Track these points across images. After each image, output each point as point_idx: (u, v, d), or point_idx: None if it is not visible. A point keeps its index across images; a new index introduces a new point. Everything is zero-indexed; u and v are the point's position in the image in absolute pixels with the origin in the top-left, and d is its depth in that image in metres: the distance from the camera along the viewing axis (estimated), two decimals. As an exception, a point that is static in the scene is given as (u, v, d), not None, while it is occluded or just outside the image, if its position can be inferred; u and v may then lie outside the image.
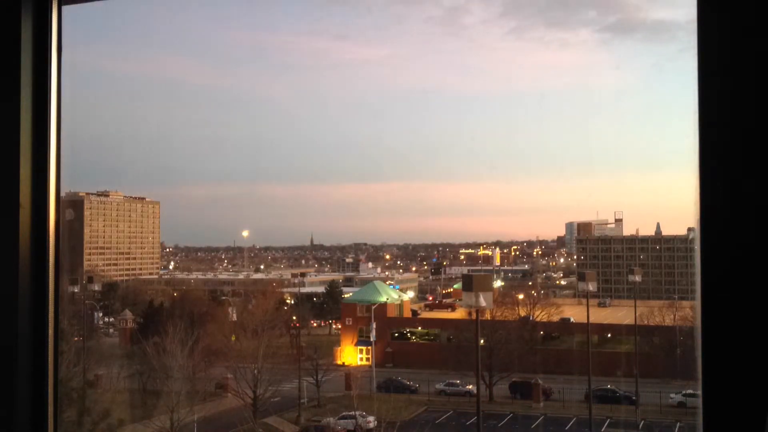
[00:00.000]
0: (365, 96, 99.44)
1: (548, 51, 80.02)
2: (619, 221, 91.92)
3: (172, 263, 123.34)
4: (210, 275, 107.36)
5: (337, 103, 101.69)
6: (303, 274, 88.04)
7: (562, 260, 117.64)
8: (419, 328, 68.54)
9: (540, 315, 62.94)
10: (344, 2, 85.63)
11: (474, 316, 52.44)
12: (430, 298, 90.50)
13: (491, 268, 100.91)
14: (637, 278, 72.30)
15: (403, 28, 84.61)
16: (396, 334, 66.91)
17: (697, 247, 2.01)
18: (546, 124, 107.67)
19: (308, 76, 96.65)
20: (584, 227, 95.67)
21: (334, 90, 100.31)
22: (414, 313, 72.43)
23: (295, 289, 75.38)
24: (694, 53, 2.01)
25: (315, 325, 73.28)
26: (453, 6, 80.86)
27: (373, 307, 65.78)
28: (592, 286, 64.65)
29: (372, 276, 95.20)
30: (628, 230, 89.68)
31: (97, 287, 68.60)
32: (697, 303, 2.00)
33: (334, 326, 75.03)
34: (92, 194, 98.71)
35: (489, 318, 56.10)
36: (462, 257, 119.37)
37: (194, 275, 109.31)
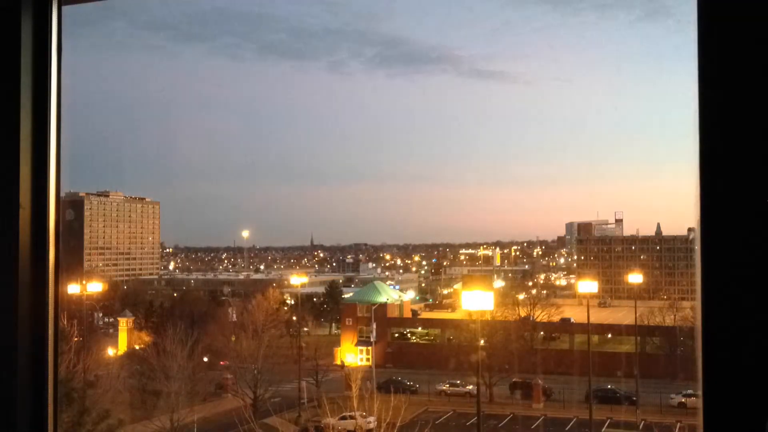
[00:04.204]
0: (348, 107, 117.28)
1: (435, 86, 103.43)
2: (619, 221, 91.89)
3: (172, 263, 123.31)
4: (210, 275, 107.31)
5: (332, 109, 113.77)
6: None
7: (562, 260, 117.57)
8: (419, 328, 68.50)
9: (540, 315, 62.88)
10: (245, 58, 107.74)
11: (474, 317, 52.48)
12: (430, 299, 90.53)
13: (491, 268, 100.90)
14: (638, 279, 72.31)
15: (310, 76, 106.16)
16: (396, 335, 66.87)
17: (697, 247, 2.01)
18: (546, 126, 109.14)
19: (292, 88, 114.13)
20: (584, 227, 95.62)
21: (320, 102, 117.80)
22: (414, 313, 72.39)
23: (295, 290, 75.34)
24: (695, 53, 2.01)
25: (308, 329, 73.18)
26: (332, 62, 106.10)
27: (373, 308, 65.75)
28: (592, 287, 64.66)
29: (372, 276, 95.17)
30: (628, 230, 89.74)
31: (97, 287, 68.53)
32: (698, 303, 2.00)
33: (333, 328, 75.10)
34: (92, 194, 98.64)
35: (489, 318, 56.06)
36: (462, 257, 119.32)
37: (194, 275, 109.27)
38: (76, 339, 45.19)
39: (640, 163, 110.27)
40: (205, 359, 52.59)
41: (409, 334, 67.57)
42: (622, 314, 64.46)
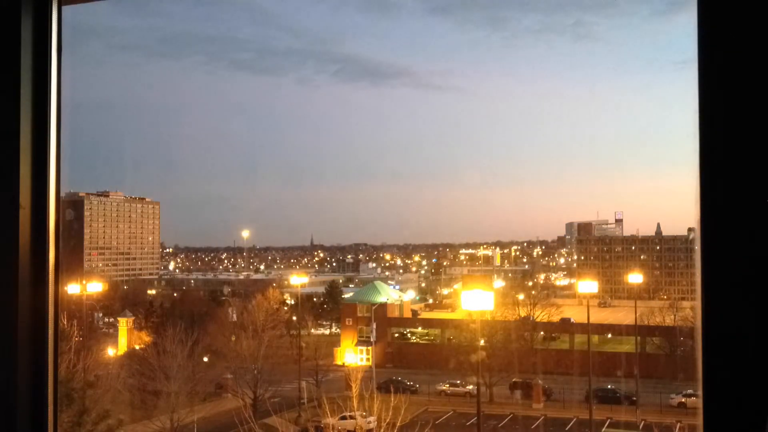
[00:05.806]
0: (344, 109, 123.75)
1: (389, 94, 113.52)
2: (619, 221, 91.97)
3: (172, 263, 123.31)
4: (210, 275, 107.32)
5: (314, 116, 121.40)
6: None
7: (562, 260, 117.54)
8: (419, 328, 68.47)
9: (540, 315, 62.85)
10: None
11: (474, 317, 52.48)
12: (430, 299, 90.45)
13: (491, 268, 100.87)
14: (638, 279, 72.29)
15: (282, 89, 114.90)
16: (396, 335, 66.85)
17: (697, 247, 2.01)
18: (546, 126, 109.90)
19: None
20: (584, 227, 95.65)
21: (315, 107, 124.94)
22: (414, 313, 72.34)
23: (295, 290, 75.35)
24: (695, 53, 2.01)
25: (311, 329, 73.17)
26: (299, 77, 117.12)
27: (373, 308, 65.72)
28: (592, 287, 64.65)
29: (372, 276, 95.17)
30: (628, 230, 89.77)
31: (97, 287, 68.51)
32: (697, 303, 1.99)
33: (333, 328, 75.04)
34: (92, 194, 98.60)
35: (489, 318, 56.05)
36: (462, 257, 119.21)
37: (194, 275, 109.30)
38: (76, 339, 45.17)
39: (640, 163, 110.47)
40: (205, 359, 52.58)
41: (409, 334, 67.55)
42: (622, 314, 64.41)
